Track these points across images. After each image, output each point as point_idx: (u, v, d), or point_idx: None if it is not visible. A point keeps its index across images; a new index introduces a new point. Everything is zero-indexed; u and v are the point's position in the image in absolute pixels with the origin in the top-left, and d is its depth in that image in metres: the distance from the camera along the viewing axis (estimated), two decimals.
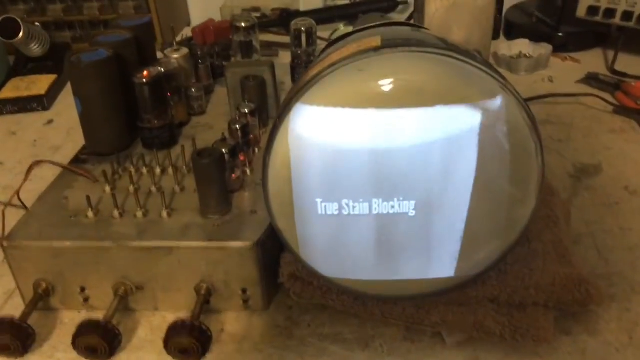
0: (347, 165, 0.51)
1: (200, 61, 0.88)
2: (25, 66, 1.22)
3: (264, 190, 0.54)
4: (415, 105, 0.48)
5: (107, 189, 0.67)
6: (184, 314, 0.61)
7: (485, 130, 0.49)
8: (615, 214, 0.75)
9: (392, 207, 0.52)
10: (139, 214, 0.63)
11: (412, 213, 0.52)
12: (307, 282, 0.60)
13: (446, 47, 0.51)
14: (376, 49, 0.49)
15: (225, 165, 0.63)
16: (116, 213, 0.63)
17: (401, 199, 0.52)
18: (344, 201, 0.52)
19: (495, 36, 1.19)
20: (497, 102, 0.49)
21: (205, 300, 0.61)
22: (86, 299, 0.64)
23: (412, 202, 0.52)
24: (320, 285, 0.60)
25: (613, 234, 0.71)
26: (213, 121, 0.83)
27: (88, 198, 0.63)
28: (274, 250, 0.61)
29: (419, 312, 0.58)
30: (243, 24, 0.88)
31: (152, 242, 0.60)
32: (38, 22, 1.25)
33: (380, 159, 0.50)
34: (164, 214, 0.63)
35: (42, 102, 1.10)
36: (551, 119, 0.97)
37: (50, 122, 1.07)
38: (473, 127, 0.49)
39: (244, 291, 0.61)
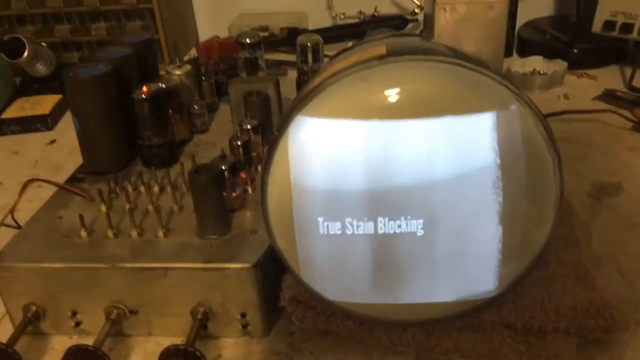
0: (350, 181, 0.48)
1: (203, 78, 0.86)
2: (31, 86, 1.21)
3: (263, 208, 0.51)
4: (422, 116, 0.45)
5: (103, 208, 0.64)
6: (179, 340, 0.57)
7: (498, 143, 0.46)
8: (638, 236, 0.70)
9: (399, 226, 0.49)
10: (134, 233, 0.60)
11: (420, 232, 0.49)
12: (309, 306, 0.57)
13: (455, 55, 0.48)
14: (380, 58, 0.46)
15: (223, 183, 0.60)
16: (110, 233, 0.60)
17: (408, 217, 0.48)
18: (347, 220, 0.49)
19: (508, 53, 1.17)
20: (510, 112, 0.46)
21: (202, 325, 0.57)
22: (78, 324, 0.60)
23: (420, 221, 0.48)
24: (324, 310, 0.56)
25: (637, 257, 0.67)
26: (216, 139, 0.80)
27: (81, 217, 0.60)
28: (275, 272, 0.57)
29: (429, 338, 0.54)
30: (248, 40, 0.86)
31: (146, 263, 0.57)
32: (45, 42, 1.25)
33: (386, 174, 0.47)
34: (160, 233, 0.60)
35: (45, 122, 1.09)
36: (567, 136, 0.93)
37: (52, 142, 1.05)
38: (485, 140, 0.46)
39: (243, 315, 0.58)
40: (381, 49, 0.48)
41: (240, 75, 0.90)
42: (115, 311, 0.58)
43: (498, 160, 0.46)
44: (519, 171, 0.47)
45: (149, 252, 0.58)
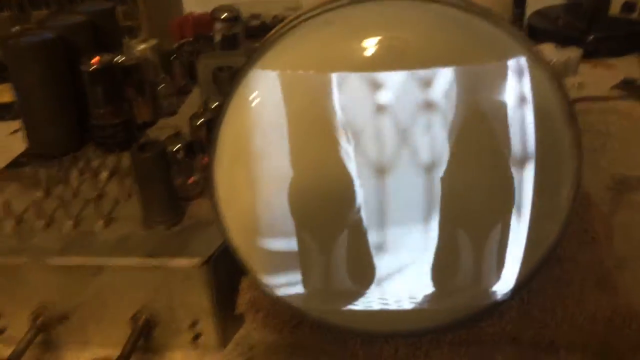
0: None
1: (174, 56, 0.77)
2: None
3: (210, 192, 0.41)
4: (405, 68, 0.35)
5: (39, 194, 0.55)
6: (120, 350, 0.48)
7: (501, 106, 0.36)
8: None
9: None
10: (68, 224, 0.51)
11: (403, 220, 0.39)
12: (272, 313, 0.47)
13: None
14: None
15: (169, 163, 0.51)
16: (40, 223, 0.51)
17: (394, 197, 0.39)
18: None
19: None
20: (518, 69, 0.36)
21: (143, 334, 0.48)
22: (2, 330, 0.51)
23: (406, 202, 0.39)
24: (289, 318, 0.47)
25: None
26: (184, 123, 0.71)
27: (6, 204, 0.51)
28: (234, 272, 0.47)
29: (415, 353, 0.45)
30: (225, 15, 0.77)
31: (76, 258, 0.47)
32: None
33: (367, 141, 0.37)
34: (99, 224, 0.50)
35: (10, 111, 1.00)
36: (583, 126, 0.83)
37: (15, 131, 0.96)
38: (484, 100, 0.36)
39: (194, 324, 0.49)
40: None
41: None
42: (42, 316, 0.49)
43: (500, 131, 0.37)
44: (527, 146, 0.38)
45: (82, 246, 0.49)
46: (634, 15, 0.94)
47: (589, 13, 1.08)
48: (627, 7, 0.94)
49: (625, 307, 0.44)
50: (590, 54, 1.06)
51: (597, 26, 1.07)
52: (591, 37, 1.07)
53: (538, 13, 1.21)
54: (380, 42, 0.36)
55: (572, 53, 1.02)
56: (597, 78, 1.00)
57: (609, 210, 0.65)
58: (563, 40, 1.06)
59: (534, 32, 1.15)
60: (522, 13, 1.14)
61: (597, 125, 0.84)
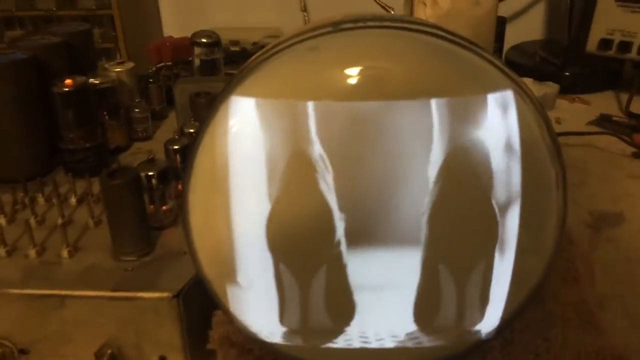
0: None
1: (151, 80, 0.75)
2: None
3: (183, 221, 0.39)
4: (388, 98, 0.34)
5: (2, 220, 0.53)
6: None
7: (487, 139, 0.35)
8: None
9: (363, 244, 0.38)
10: (32, 253, 0.48)
11: (385, 255, 0.38)
12: (245, 350, 0.45)
13: (436, 27, 0.37)
14: (335, 25, 0.36)
15: (149, 192, 0.49)
16: (2, 250, 0.48)
17: (372, 232, 0.37)
18: None
19: None
20: (505, 102, 0.35)
21: None
22: None
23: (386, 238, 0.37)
24: (263, 355, 0.44)
25: None
26: (159, 148, 0.69)
27: None
28: (206, 306, 0.45)
29: None
30: (204, 40, 0.76)
31: (38, 290, 0.45)
32: None
33: (342, 168, 0.36)
34: (64, 253, 0.48)
35: None
36: None
37: None
38: (467, 133, 0.35)
39: (162, 359, 0.46)
40: (338, 16, 0.37)
41: None
42: (0, 350, 0.46)
43: (483, 163, 0.36)
44: (512, 181, 0.37)
45: (45, 276, 0.46)
46: (611, 52, 0.95)
47: (566, 49, 1.09)
48: (604, 44, 0.95)
49: (609, 349, 0.43)
50: (567, 90, 1.07)
51: (574, 62, 1.08)
52: (568, 73, 1.08)
53: (516, 48, 1.23)
54: (362, 71, 0.35)
55: (549, 88, 1.03)
56: (574, 113, 1.01)
57: (588, 247, 0.64)
58: (540, 76, 1.07)
59: (511, 67, 1.16)
60: (501, 48, 1.16)
61: (574, 161, 0.84)
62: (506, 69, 0.37)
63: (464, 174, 0.36)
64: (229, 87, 0.37)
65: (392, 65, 0.36)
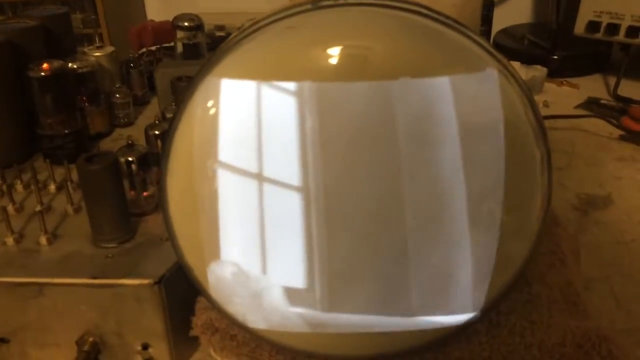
0: (278, 165, 0.36)
1: (132, 65, 0.74)
2: None
3: (162, 207, 0.39)
4: (370, 78, 0.33)
5: None
6: None
7: (469, 120, 0.34)
8: (633, 254, 0.60)
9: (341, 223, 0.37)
10: (9, 240, 0.47)
11: (368, 233, 0.37)
12: (228, 335, 0.44)
13: (419, 5, 0.37)
14: (315, 2, 0.35)
15: (129, 177, 0.48)
16: None
17: (353, 213, 0.36)
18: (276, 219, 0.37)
19: None
20: (488, 81, 0.35)
21: (89, 359, 0.44)
22: None
23: (367, 216, 0.37)
24: (247, 340, 0.44)
25: (633, 279, 0.56)
26: (141, 134, 0.68)
27: None
28: (187, 292, 0.45)
29: None
30: (186, 24, 0.75)
31: (16, 277, 0.44)
32: None
33: (322, 148, 0.35)
34: (43, 240, 0.47)
35: None
36: None
37: None
38: (450, 112, 0.34)
39: (145, 347, 0.46)
40: None
41: None
42: None
43: (467, 145, 0.35)
44: (496, 163, 0.36)
45: (23, 264, 0.45)
46: (599, 35, 0.94)
47: (554, 32, 1.08)
48: (592, 27, 0.95)
49: (595, 331, 0.42)
50: (555, 73, 1.06)
51: (562, 45, 1.07)
52: (556, 56, 1.07)
53: (504, 31, 1.22)
54: (343, 50, 0.34)
55: (537, 72, 1.02)
56: (562, 97, 1.01)
57: (575, 230, 0.64)
58: (528, 59, 1.07)
59: (499, 50, 1.15)
60: (489, 31, 1.15)
61: (562, 144, 0.84)
62: (491, 49, 0.36)
63: (447, 154, 0.36)
64: (206, 67, 0.36)
65: (375, 44, 0.35)
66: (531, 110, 0.37)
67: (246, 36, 0.35)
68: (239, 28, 1.19)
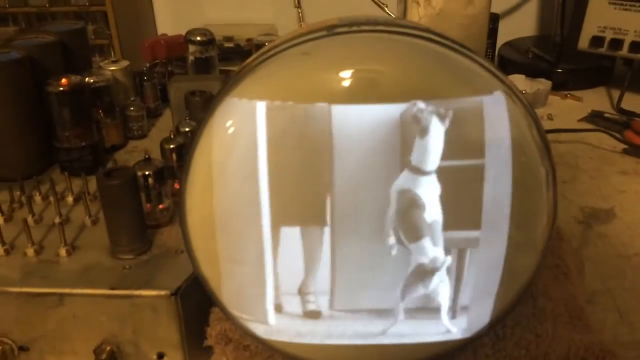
0: (293, 183, 0.37)
1: (145, 78, 0.75)
2: None
3: (181, 222, 0.40)
4: (380, 101, 0.35)
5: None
6: None
7: (475, 141, 0.36)
8: (636, 267, 0.61)
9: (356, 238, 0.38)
10: (30, 251, 0.49)
11: (380, 248, 0.38)
12: (242, 346, 0.46)
13: (429, 31, 0.38)
14: (330, 29, 0.36)
15: (146, 191, 0.50)
16: (0, 249, 0.49)
17: (365, 226, 0.38)
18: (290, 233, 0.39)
19: None
20: (496, 104, 0.36)
21: None
22: None
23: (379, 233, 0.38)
24: (259, 351, 0.45)
25: (636, 292, 0.57)
26: (154, 146, 0.69)
27: None
28: (202, 303, 0.46)
29: None
30: (198, 38, 0.76)
31: (37, 288, 0.45)
32: None
33: (336, 170, 0.37)
34: (62, 252, 0.49)
35: None
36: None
37: None
38: (461, 133, 0.36)
39: (161, 356, 0.47)
40: (332, 20, 0.38)
41: None
42: (0, 347, 0.47)
43: (474, 164, 0.37)
44: (503, 181, 0.37)
45: (43, 274, 0.47)
46: (602, 50, 0.96)
47: (559, 46, 1.10)
48: (596, 42, 0.96)
49: (598, 344, 0.43)
50: (559, 86, 1.08)
51: (566, 59, 1.09)
52: (560, 70, 1.09)
53: (508, 44, 1.23)
54: (355, 74, 0.36)
55: (542, 85, 1.03)
56: (566, 110, 1.02)
57: (579, 243, 0.65)
58: (533, 72, 1.08)
59: (504, 63, 1.17)
60: (494, 44, 1.16)
61: (565, 158, 0.85)
62: (496, 71, 0.38)
63: (457, 174, 0.37)
64: (226, 88, 0.38)
65: (385, 68, 0.36)
66: (536, 129, 0.38)
67: (264, 60, 0.37)
68: (248, 40, 1.20)
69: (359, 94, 0.36)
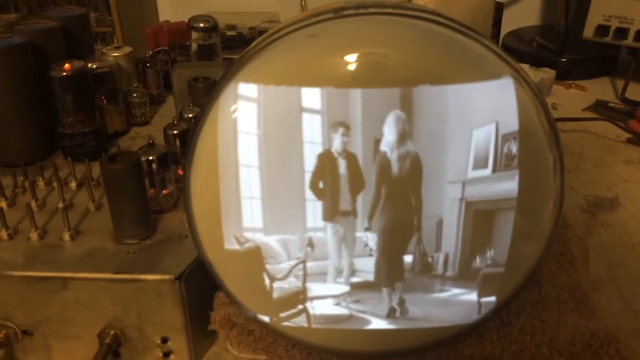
0: (299, 167, 0.37)
1: (148, 65, 0.75)
2: None
3: (186, 207, 0.40)
4: (389, 85, 0.35)
5: (3, 204, 0.53)
6: None
7: (484, 126, 0.36)
8: None
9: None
10: (34, 236, 0.48)
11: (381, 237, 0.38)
12: (246, 330, 0.46)
13: (436, 14, 0.38)
14: (337, 11, 0.36)
15: (150, 176, 0.49)
16: (4, 234, 0.48)
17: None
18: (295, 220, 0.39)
19: None
20: (505, 89, 0.36)
21: (110, 352, 0.46)
22: None
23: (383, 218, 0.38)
24: (263, 335, 0.45)
25: None
26: (157, 133, 0.69)
27: None
28: (206, 288, 0.46)
29: None
30: (202, 25, 0.76)
31: (40, 272, 0.45)
32: None
33: (339, 155, 0.37)
34: (66, 236, 0.48)
35: None
36: None
37: None
38: (467, 119, 0.35)
39: (165, 341, 0.47)
40: (339, 2, 0.37)
41: None
42: (4, 331, 0.46)
43: (482, 149, 0.36)
44: (510, 167, 0.37)
45: (47, 259, 0.46)
46: (607, 39, 0.95)
47: (563, 35, 1.09)
48: (601, 31, 0.95)
49: (603, 331, 0.43)
50: (563, 76, 1.07)
51: (570, 48, 1.08)
52: (565, 59, 1.08)
53: (513, 34, 1.23)
54: (360, 57, 0.35)
55: (546, 74, 1.03)
56: (570, 99, 1.01)
57: (583, 232, 0.65)
58: (537, 61, 1.07)
59: (508, 53, 1.16)
60: (498, 33, 1.15)
61: (570, 147, 0.85)
62: (504, 55, 0.37)
63: (463, 158, 0.37)
64: (230, 72, 0.37)
65: (391, 51, 0.36)
66: (544, 115, 0.38)
67: (269, 43, 0.37)
68: (251, 28, 1.18)
69: (364, 78, 0.35)
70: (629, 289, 0.56)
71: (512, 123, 0.36)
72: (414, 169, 0.36)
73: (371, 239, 0.38)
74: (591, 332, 0.43)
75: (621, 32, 0.93)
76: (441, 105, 0.35)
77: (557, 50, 1.10)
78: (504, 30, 1.18)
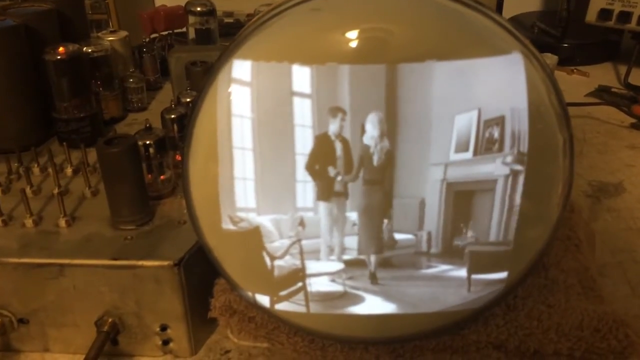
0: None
1: (145, 50, 0.73)
2: None
3: (184, 191, 0.39)
4: (391, 61, 0.33)
5: None
6: (83, 357, 0.44)
7: (492, 104, 0.35)
8: None
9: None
10: (29, 222, 0.47)
11: (388, 219, 0.37)
12: (247, 317, 0.45)
13: None
14: None
15: (147, 161, 0.48)
16: None
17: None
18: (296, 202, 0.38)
19: None
20: (515, 65, 0.35)
21: (108, 340, 0.45)
22: None
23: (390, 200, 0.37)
24: (265, 322, 0.44)
25: None
26: (155, 119, 0.68)
27: None
28: (206, 274, 0.45)
29: None
30: (199, 9, 0.74)
31: (36, 259, 0.44)
32: None
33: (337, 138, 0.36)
34: (62, 222, 0.47)
35: None
36: None
37: None
38: (475, 96, 0.34)
39: (164, 328, 0.46)
40: None
41: None
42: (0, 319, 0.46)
43: (490, 128, 0.35)
44: (519, 147, 0.36)
45: (43, 245, 0.45)
46: (610, 23, 0.94)
47: (565, 20, 1.08)
48: (604, 15, 0.94)
49: (611, 315, 0.42)
50: (565, 61, 1.06)
51: (572, 33, 1.07)
52: (567, 44, 1.07)
53: (514, 19, 1.21)
54: (363, 33, 0.34)
55: (548, 60, 1.01)
56: (573, 85, 1.00)
57: (588, 217, 0.64)
58: (539, 47, 1.05)
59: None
60: None
61: (573, 132, 0.84)
62: (514, 31, 0.36)
63: (469, 136, 0.36)
64: (228, 51, 0.36)
65: (396, 27, 0.35)
66: (555, 94, 0.37)
67: (268, 19, 0.35)
68: (249, 15, 1.18)
69: (366, 54, 0.34)
70: (635, 274, 0.55)
71: (521, 101, 0.35)
72: (389, 160, 0.35)
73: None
74: (599, 317, 0.42)
75: (624, 16, 0.92)
76: (442, 84, 0.34)
77: (558, 35, 1.09)
78: (505, 15, 1.17)
